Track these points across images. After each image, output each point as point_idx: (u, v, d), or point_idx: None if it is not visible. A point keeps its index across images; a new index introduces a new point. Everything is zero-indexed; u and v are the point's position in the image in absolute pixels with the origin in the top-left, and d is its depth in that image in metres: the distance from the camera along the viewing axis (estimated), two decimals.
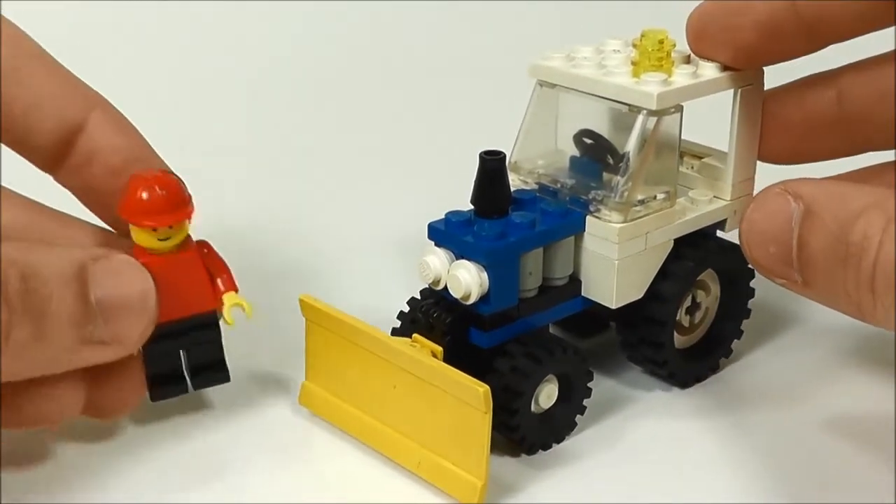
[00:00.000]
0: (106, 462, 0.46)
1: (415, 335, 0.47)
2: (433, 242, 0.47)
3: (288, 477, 0.46)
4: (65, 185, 0.49)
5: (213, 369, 0.48)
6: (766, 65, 0.50)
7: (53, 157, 0.47)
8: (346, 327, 0.47)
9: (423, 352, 0.45)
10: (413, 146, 0.81)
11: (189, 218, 0.46)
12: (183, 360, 0.47)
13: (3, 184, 0.47)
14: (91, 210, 0.49)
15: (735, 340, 0.53)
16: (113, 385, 0.46)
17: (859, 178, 0.52)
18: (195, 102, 0.87)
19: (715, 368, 0.53)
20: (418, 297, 0.49)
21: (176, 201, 0.45)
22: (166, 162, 0.49)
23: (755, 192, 0.52)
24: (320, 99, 0.89)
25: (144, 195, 0.44)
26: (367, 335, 0.46)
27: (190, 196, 0.46)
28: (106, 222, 0.49)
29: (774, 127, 0.51)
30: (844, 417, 0.50)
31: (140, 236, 0.45)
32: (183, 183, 0.46)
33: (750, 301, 0.53)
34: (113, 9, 0.95)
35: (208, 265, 0.47)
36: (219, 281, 0.47)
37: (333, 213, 0.70)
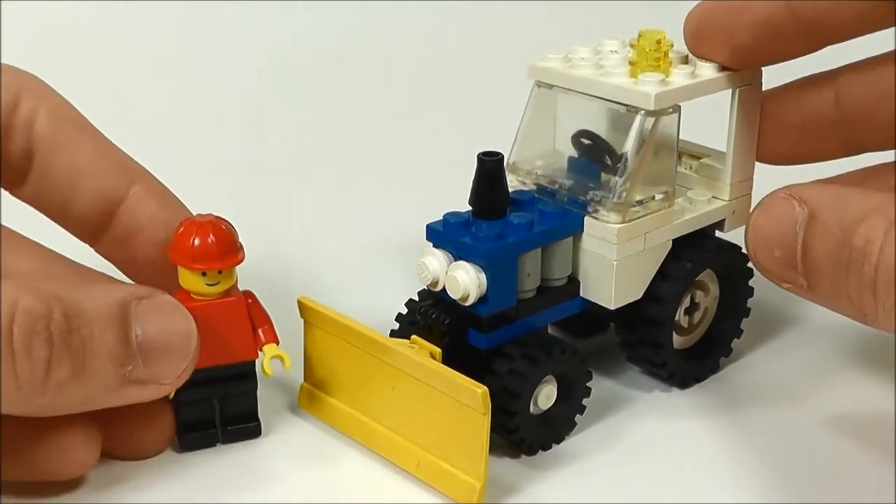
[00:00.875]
0: (102, 461, 0.46)
1: (413, 336, 0.47)
2: (431, 244, 0.47)
3: (287, 479, 0.46)
4: (104, 256, 0.49)
5: (245, 422, 0.48)
6: (764, 65, 0.50)
7: (93, 228, 0.48)
8: (344, 329, 0.47)
9: (421, 353, 0.45)
10: (411, 147, 0.81)
11: (238, 264, 0.46)
12: (216, 411, 0.47)
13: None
14: (133, 281, 0.49)
15: (735, 340, 0.53)
16: (140, 429, 0.46)
17: (861, 177, 0.52)
18: (192, 103, 0.87)
19: (714, 369, 0.53)
20: (417, 298, 0.49)
21: (227, 247, 0.45)
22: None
23: (753, 193, 0.52)
24: (318, 99, 0.89)
25: (197, 240, 0.45)
26: (365, 337, 0.46)
27: (241, 244, 0.46)
28: None
29: (773, 128, 0.51)
30: (844, 417, 0.50)
31: (188, 280, 0.45)
32: (235, 230, 0.46)
33: (749, 301, 0.53)
34: (113, 9, 0.95)
35: (251, 315, 0.47)
36: (260, 332, 0.47)
37: (331, 215, 0.70)
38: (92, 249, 0.49)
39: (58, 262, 0.47)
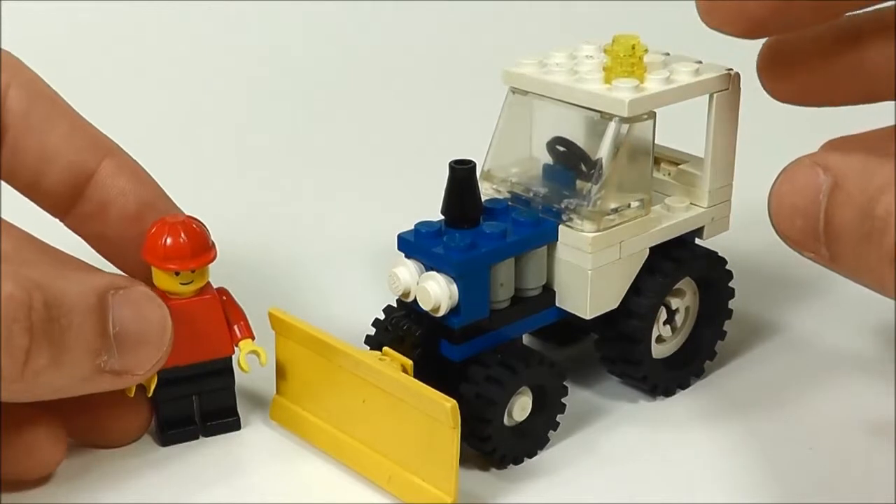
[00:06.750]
0: (87, 466, 0.46)
1: (385, 348, 0.46)
2: (403, 254, 0.46)
3: (263, 487, 0.46)
4: (75, 231, 0.49)
5: (224, 416, 0.48)
6: (777, 34, 0.48)
7: (63, 202, 0.47)
8: (315, 341, 0.46)
9: (391, 366, 0.45)
10: (385, 155, 0.80)
11: (210, 262, 0.46)
12: (195, 406, 0.48)
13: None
14: (103, 256, 0.49)
15: (717, 347, 0.53)
16: (116, 416, 0.46)
17: (883, 137, 0.50)
18: (170, 109, 0.86)
19: (699, 374, 0.52)
20: (390, 309, 0.48)
21: (199, 246, 0.45)
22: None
23: (732, 200, 0.51)
24: (290, 109, 0.87)
25: (169, 239, 0.45)
26: (335, 349, 0.45)
27: (213, 242, 0.46)
28: (119, 268, 0.49)
29: (791, 64, 0.49)
30: (826, 424, 0.49)
31: (162, 280, 0.45)
32: (207, 229, 0.46)
33: (729, 306, 0.52)
34: (112, 9, 0.94)
35: (226, 311, 0.47)
36: (235, 328, 0.47)
37: (303, 225, 0.69)
38: (62, 224, 0.49)
39: (33, 244, 0.46)
